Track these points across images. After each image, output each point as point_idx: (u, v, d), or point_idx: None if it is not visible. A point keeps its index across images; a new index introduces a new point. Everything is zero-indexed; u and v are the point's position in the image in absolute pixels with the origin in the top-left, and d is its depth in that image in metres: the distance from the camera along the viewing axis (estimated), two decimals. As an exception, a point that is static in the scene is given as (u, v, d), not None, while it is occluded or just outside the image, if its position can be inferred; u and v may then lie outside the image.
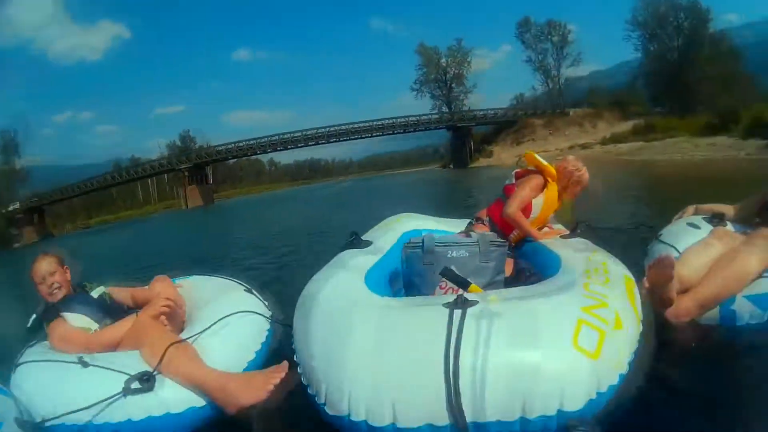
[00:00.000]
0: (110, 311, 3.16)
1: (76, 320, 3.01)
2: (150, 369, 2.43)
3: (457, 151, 66.88)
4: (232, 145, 70.99)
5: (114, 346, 2.85)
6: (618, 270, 2.74)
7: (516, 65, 75.30)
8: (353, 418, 1.92)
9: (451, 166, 66.99)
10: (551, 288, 2.39)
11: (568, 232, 3.82)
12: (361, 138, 70.51)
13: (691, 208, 3.85)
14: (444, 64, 75.52)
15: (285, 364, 2.58)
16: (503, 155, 59.04)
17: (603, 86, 78.17)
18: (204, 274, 3.99)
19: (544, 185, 3.81)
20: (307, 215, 21.01)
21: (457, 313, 2.02)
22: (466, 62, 76.51)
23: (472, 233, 3.24)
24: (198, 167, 69.15)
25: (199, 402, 2.44)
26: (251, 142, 69.96)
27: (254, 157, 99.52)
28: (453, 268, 2.63)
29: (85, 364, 2.47)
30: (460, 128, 66.18)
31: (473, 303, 2.09)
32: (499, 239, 3.03)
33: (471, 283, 2.48)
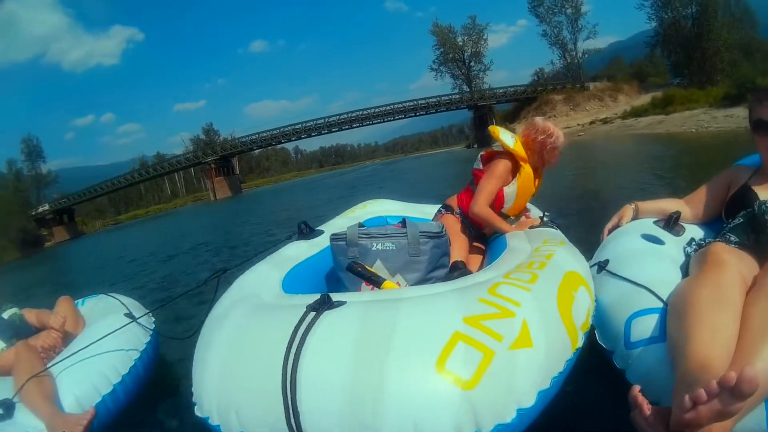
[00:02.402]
0: (19, 332, 3.15)
1: None
2: (10, 397, 2.48)
3: (480, 130, 66.43)
4: (256, 135, 72.61)
5: (6, 370, 2.84)
6: (563, 264, 2.20)
7: (533, 39, 75.57)
8: (210, 421, 1.79)
9: (475, 145, 66.55)
10: (449, 288, 1.98)
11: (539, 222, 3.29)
12: (384, 122, 71.23)
13: (629, 209, 2.95)
14: (461, 43, 75.16)
15: (92, 410, 2.54)
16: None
17: (622, 57, 77.03)
18: (109, 293, 3.92)
19: (516, 168, 3.33)
20: (316, 201, 21.38)
21: (311, 316, 1.77)
22: (482, 39, 75.96)
23: (406, 222, 2.78)
24: (224, 159, 71.07)
25: None
26: (275, 131, 71.16)
27: (279, 146, 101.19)
28: (379, 261, 2.57)
29: None
30: (481, 107, 66.55)
31: (337, 304, 1.83)
32: (433, 230, 2.70)
33: (384, 280, 2.37)
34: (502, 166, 3.30)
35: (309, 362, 1.60)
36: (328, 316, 1.75)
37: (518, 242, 2.69)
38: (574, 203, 7.76)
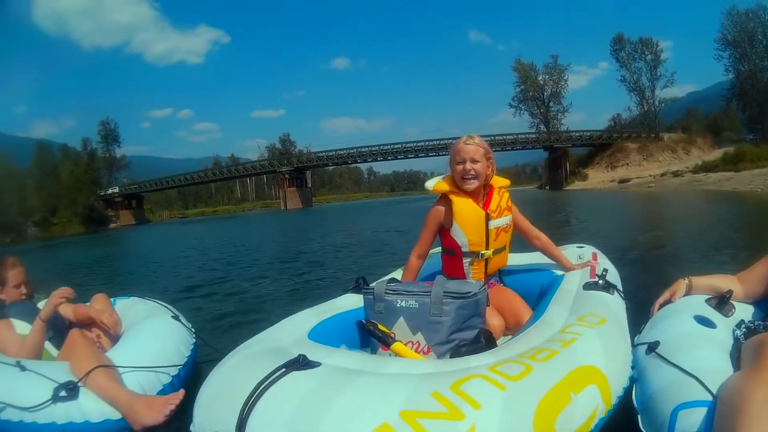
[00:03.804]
0: (53, 323, 3.14)
1: (20, 327, 3.07)
2: (75, 380, 2.53)
3: (553, 171, 67.41)
4: (333, 152, 74.46)
5: (37, 356, 2.93)
6: (582, 355, 1.93)
7: (612, 84, 75.71)
8: None
9: (547, 187, 67.34)
10: (420, 371, 1.82)
11: (579, 267, 3.26)
12: None
13: (682, 284, 2.65)
14: (541, 82, 76.20)
15: (182, 391, 2.62)
16: (597, 179, 59.44)
17: (699, 108, 76.85)
18: (143, 297, 4.01)
19: (448, 205, 3.04)
20: (385, 225, 21.34)
21: (281, 371, 1.75)
22: (563, 80, 77.02)
23: (436, 279, 2.61)
24: (298, 171, 73.18)
25: (115, 415, 2.51)
26: (351, 150, 73.08)
27: (353, 165, 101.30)
28: (402, 318, 2.49)
29: (22, 368, 2.58)
30: (557, 149, 66.67)
31: (312, 365, 1.80)
32: (463, 289, 2.50)
33: (395, 341, 2.33)
34: (429, 213, 3.12)
35: (257, 417, 1.62)
36: (291, 377, 1.73)
37: (557, 310, 2.50)
38: (629, 254, 7.49)
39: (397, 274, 3.34)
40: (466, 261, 3.07)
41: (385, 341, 2.35)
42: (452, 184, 3.06)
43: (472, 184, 2.97)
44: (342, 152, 73.91)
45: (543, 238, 3.34)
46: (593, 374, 1.85)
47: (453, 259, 3.10)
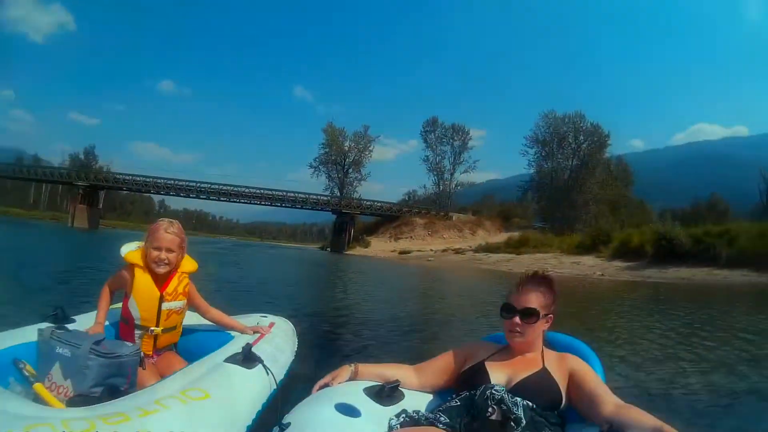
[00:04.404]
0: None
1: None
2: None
3: (338, 235, 66.52)
4: (130, 177, 71.68)
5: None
6: (144, 428, 1.98)
7: (417, 161, 78.75)
8: None
9: (329, 249, 67.00)
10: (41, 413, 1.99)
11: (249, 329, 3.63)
12: (250, 203, 71.05)
13: (346, 369, 2.54)
14: (346, 148, 76.17)
15: None
16: (379, 247, 59.61)
17: (494, 195, 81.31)
18: None
19: (132, 277, 3.18)
20: None
21: None
22: (368, 150, 77.52)
23: (88, 337, 2.75)
24: (93, 188, 69.19)
25: None
26: (148, 179, 70.51)
27: (147, 194, 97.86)
28: (58, 363, 2.60)
29: None
30: (345, 214, 65.79)
31: None
32: (114, 350, 2.70)
33: (35, 382, 2.47)
34: (117, 273, 3.29)
35: None
36: None
37: (178, 377, 2.62)
38: (347, 318, 8.45)
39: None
40: (137, 333, 3.21)
41: (29, 381, 2.48)
42: (142, 258, 3.22)
43: (164, 269, 3.19)
44: (139, 179, 71.23)
45: (214, 313, 3.63)
46: None
47: (127, 327, 3.24)
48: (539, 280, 2.57)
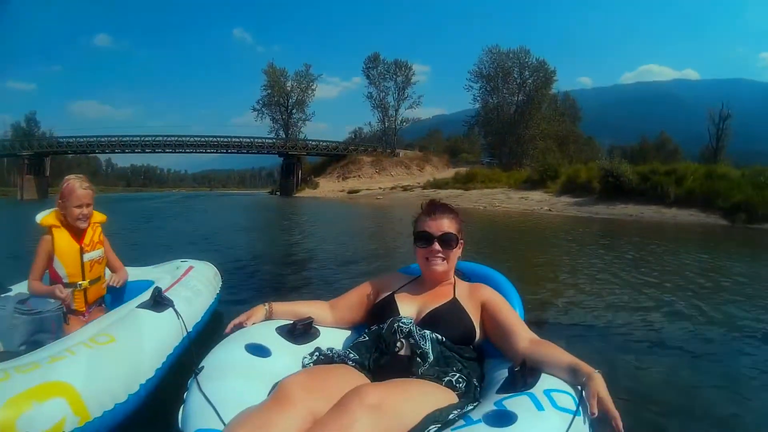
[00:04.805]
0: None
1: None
2: None
3: (285, 178, 65.66)
4: (73, 139, 68.47)
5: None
6: (57, 372, 2.20)
7: (361, 98, 77.35)
8: None
9: (278, 192, 66.30)
10: None
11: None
12: (196, 152, 69.39)
13: (261, 309, 2.51)
14: (288, 88, 74.08)
15: None
16: (328, 188, 59.41)
17: (442, 131, 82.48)
18: None
19: (51, 237, 3.37)
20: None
21: None
22: (311, 89, 75.70)
23: (19, 294, 3.11)
24: (38, 157, 65.88)
25: None
26: (92, 139, 67.41)
27: (92, 155, 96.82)
28: None
29: None
30: (291, 156, 64.81)
31: None
32: (36, 308, 2.89)
33: None
34: (40, 243, 3.37)
35: None
36: None
37: (88, 328, 2.73)
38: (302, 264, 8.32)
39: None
40: (68, 291, 3.26)
41: None
42: (57, 218, 3.40)
43: (86, 224, 3.41)
44: (82, 141, 67.57)
45: (119, 268, 3.81)
46: (63, 389, 2.15)
47: None
48: (447, 206, 2.54)
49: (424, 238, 2.45)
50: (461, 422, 1.70)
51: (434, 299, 2.39)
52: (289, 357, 2.26)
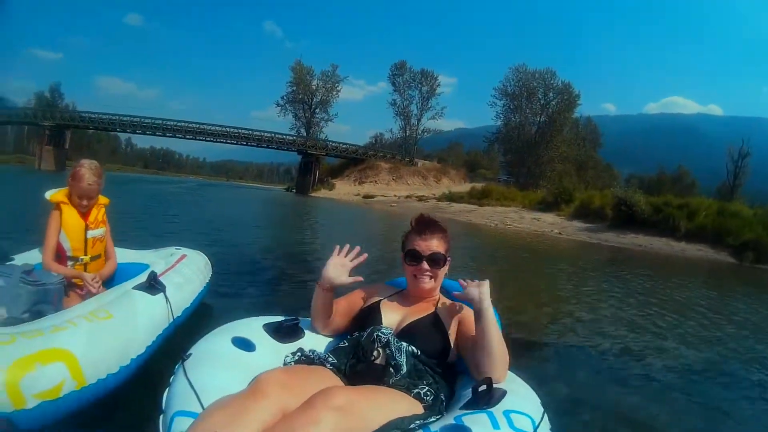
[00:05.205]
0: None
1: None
2: None
3: (303, 176, 65.73)
4: (96, 115, 68.61)
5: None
6: (54, 341, 2.41)
7: (385, 104, 78.02)
8: None
9: (294, 190, 66.24)
10: None
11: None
12: (216, 141, 69.20)
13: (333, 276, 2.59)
14: (314, 87, 74.02)
15: None
16: (343, 190, 59.10)
17: (462, 144, 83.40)
18: None
19: (60, 213, 3.58)
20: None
21: None
22: (336, 90, 75.73)
23: (25, 266, 3.20)
24: (59, 128, 66.51)
25: None
26: (114, 117, 67.77)
27: (113, 133, 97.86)
28: None
29: None
30: (310, 155, 64.85)
31: None
32: (41, 279, 3.08)
33: None
34: (50, 218, 3.55)
35: None
36: None
37: (88, 304, 2.95)
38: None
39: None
40: (69, 264, 3.58)
41: None
42: (66, 196, 3.62)
43: (92, 202, 3.65)
44: (105, 117, 67.94)
45: (111, 256, 3.97)
46: (64, 355, 2.36)
47: (59, 261, 3.56)
48: (437, 224, 2.63)
49: (413, 256, 2.55)
50: None
51: (416, 312, 2.49)
52: (272, 354, 2.38)
